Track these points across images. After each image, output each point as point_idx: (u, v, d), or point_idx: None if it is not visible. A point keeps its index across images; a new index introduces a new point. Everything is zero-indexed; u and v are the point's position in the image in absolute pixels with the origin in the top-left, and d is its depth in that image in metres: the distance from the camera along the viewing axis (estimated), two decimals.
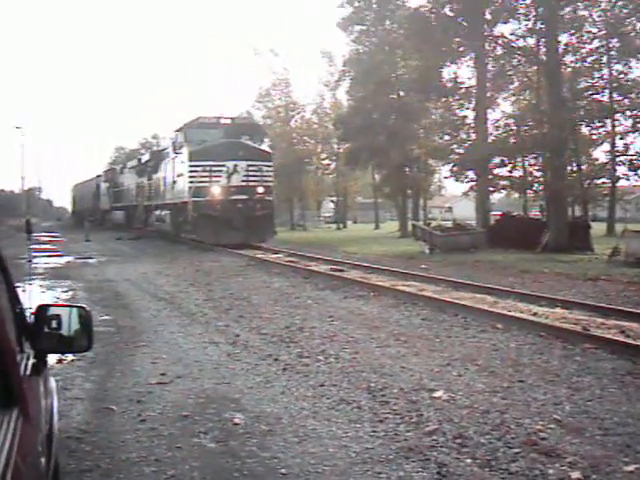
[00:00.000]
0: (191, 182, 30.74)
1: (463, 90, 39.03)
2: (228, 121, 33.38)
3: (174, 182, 33.89)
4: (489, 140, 36.92)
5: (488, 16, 34.24)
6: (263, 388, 7.84)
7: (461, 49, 36.22)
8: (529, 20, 34.33)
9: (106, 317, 12.43)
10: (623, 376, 8.06)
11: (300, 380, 8.15)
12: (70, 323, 3.71)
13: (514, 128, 38.52)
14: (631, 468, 5.33)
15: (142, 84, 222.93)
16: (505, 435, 6.12)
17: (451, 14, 34.39)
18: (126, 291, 16.55)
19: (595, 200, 46.13)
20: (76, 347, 3.88)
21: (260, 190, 31.26)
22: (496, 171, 38.29)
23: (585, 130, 40.71)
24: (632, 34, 35.41)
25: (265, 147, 34.18)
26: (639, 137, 41.55)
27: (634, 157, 39.07)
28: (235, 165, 30.60)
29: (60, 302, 13.41)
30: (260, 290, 16.29)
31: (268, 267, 21.56)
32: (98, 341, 10.25)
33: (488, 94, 38.49)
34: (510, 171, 39.31)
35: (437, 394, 7.39)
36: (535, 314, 12.47)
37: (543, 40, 33.12)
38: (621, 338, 10.09)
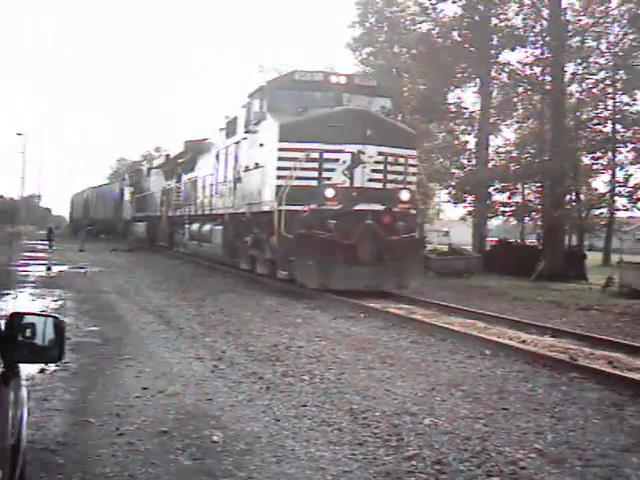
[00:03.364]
0: (280, 178, 18.50)
1: (467, 115, 39.25)
2: (342, 80, 20.85)
3: (237, 179, 22.75)
4: (489, 166, 37.07)
5: (496, 43, 34.46)
6: (245, 406, 7.77)
7: (467, 74, 36.44)
8: (536, 49, 34.61)
9: (93, 328, 12.36)
10: (608, 407, 8.01)
11: (283, 399, 8.08)
12: (45, 332, 3.69)
13: (515, 155, 38.69)
14: None
15: (146, 96, 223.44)
16: (485, 463, 6.06)
17: (459, 39, 34.58)
18: (116, 303, 16.49)
19: (593, 230, 46.28)
20: (47, 357, 3.85)
21: (405, 197, 19.19)
22: (495, 197, 38.51)
23: (586, 160, 40.89)
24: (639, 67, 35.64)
25: (404, 126, 22.85)
26: None
27: (634, 189, 39.23)
28: (360, 152, 18.55)
29: (48, 312, 13.31)
30: (250, 307, 16.21)
31: (259, 285, 21.44)
32: (82, 352, 10.25)
33: (491, 120, 38.69)
34: (509, 197, 39.50)
35: (419, 419, 7.33)
36: (524, 342, 12.42)
37: (549, 69, 33.35)
38: (608, 369, 10.04)
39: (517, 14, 34.36)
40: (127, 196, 52.32)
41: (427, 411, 7.65)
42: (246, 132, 21.66)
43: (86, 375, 8.94)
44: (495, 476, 5.77)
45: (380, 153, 18.84)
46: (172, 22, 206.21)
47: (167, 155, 38.93)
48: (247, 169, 21.50)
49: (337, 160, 18.58)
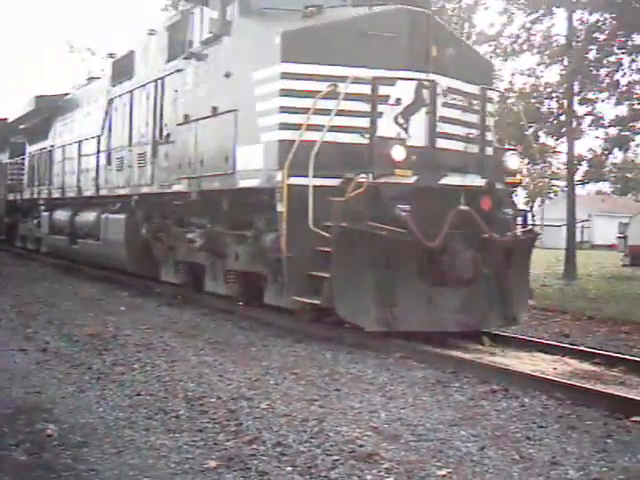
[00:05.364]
0: (286, 128, 10.26)
1: None
2: None
3: (162, 139, 14.51)
4: None
5: None
6: (76, 398, 7.54)
7: None
8: None
9: None
10: (434, 385, 8.41)
11: (115, 389, 7.91)
12: None
13: None
14: (443, 472, 5.56)
15: None
16: (324, 443, 6.21)
17: None
18: None
19: None
20: None
21: (513, 164, 11.16)
22: None
23: None
24: None
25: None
26: None
27: None
28: (423, 85, 10.46)
29: None
30: (70, 297, 15.71)
31: (76, 272, 20.73)
32: None
33: None
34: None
35: (256, 403, 7.40)
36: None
37: None
38: (429, 347, 10.50)
39: None
40: None
41: (263, 395, 7.73)
42: (186, 58, 13.45)
43: None
44: (335, 455, 5.92)
45: (454, 90, 11.03)
46: None
47: None
48: (187, 120, 13.24)
49: (387, 98, 10.42)
